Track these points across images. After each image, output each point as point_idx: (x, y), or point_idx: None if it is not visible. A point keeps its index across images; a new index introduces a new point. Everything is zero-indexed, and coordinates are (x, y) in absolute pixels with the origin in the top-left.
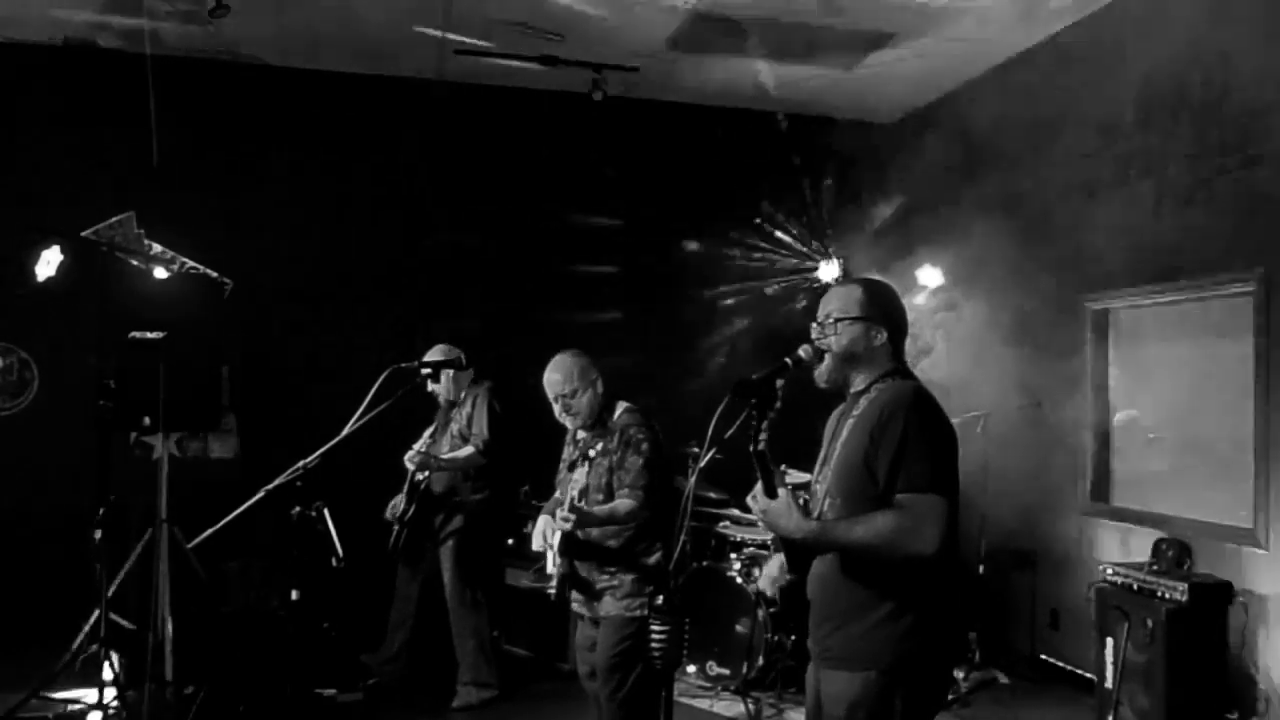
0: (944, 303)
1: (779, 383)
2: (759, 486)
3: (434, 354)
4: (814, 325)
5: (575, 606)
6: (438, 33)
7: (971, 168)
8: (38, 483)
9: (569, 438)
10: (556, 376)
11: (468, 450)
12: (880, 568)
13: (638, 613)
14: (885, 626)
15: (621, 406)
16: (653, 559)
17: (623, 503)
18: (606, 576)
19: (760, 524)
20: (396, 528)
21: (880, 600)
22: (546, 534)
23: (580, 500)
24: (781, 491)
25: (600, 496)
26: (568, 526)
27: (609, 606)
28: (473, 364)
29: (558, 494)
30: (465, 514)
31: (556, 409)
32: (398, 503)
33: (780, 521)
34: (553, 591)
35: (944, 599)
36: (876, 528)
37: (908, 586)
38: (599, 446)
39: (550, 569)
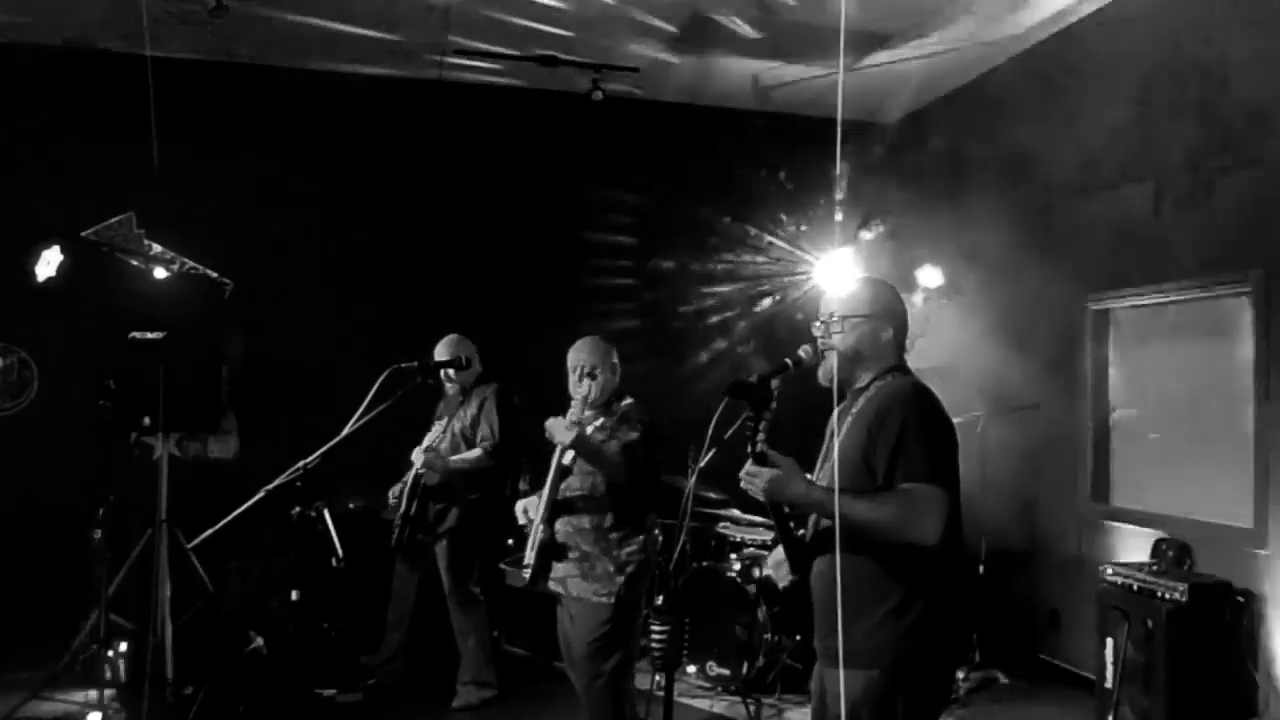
0: (943, 302)
1: (774, 383)
2: (751, 463)
3: (442, 347)
4: (816, 324)
5: (551, 585)
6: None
7: (971, 168)
8: (38, 483)
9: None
10: (584, 350)
11: (476, 453)
12: (882, 566)
13: (606, 600)
14: (888, 625)
15: (629, 400)
16: (626, 551)
17: (610, 446)
18: (578, 554)
19: (761, 492)
20: (399, 525)
21: (883, 599)
22: (529, 509)
23: (572, 466)
24: (785, 460)
25: (590, 469)
26: (571, 435)
27: (577, 587)
28: (480, 359)
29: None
30: (460, 512)
31: (573, 378)
32: (397, 492)
33: (790, 485)
34: (529, 569)
35: (946, 597)
36: (879, 508)
37: (910, 585)
38: (599, 423)
39: (529, 553)
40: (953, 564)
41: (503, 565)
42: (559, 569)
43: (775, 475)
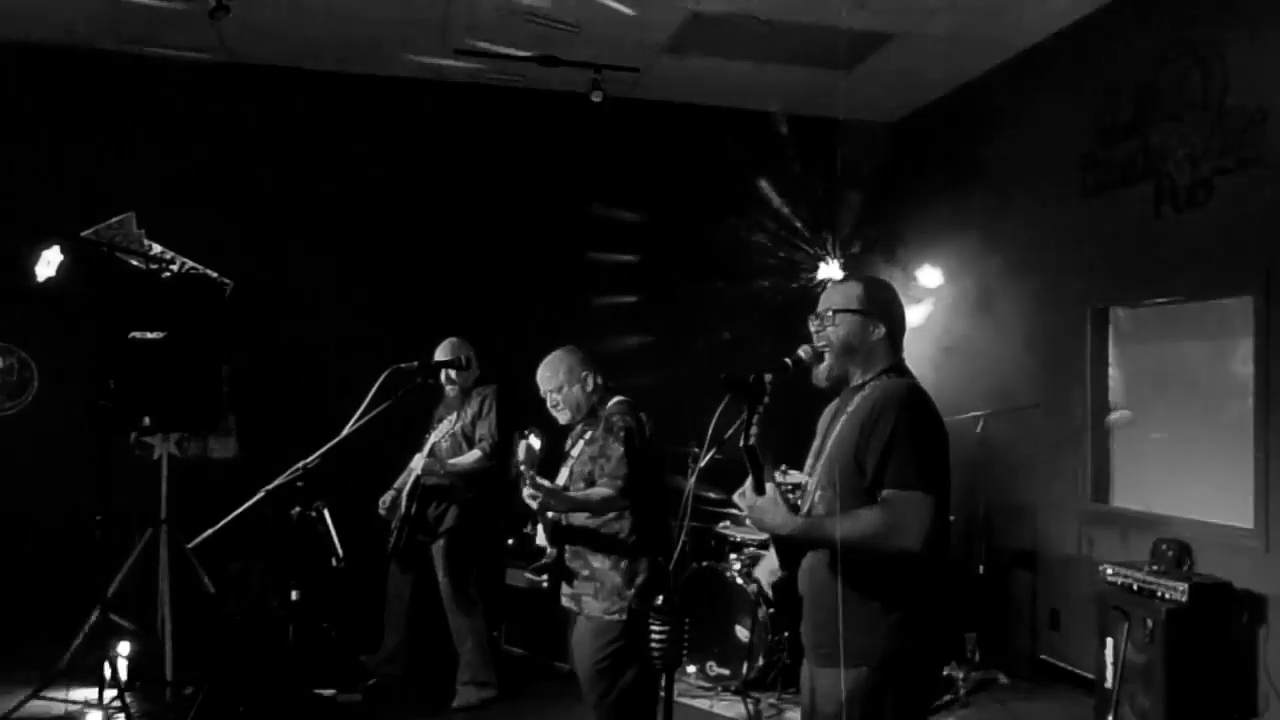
0: (943, 302)
1: (768, 378)
2: (748, 483)
3: (442, 350)
4: (812, 319)
5: (565, 601)
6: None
7: (971, 168)
8: (38, 483)
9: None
10: (546, 373)
11: (474, 454)
12: (869, 564)
13: (617, 616)
14: (875, 622)
15: (615, 400)
16: (639, 566)
17: (597, 490)
18: (588, 571)
19: (748, 520)
20: (397, 528)
21: (870, 596)
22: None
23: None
24: (769, 487)
25: (583, 485)
26: (533, 502)
27: (590, 605)
28: (480, 361)
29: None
30: (458, 511)
31: (548, 404)
32: (390, 500)
33: (767, 517)
34: (546, 582)
35: (933, 595)
36: (862, 525)
37: (897, 583)
38: (588, 435)
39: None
40: (941, 562)
41: (528, 574)
42: (572, 586)
43: (757, 506)
